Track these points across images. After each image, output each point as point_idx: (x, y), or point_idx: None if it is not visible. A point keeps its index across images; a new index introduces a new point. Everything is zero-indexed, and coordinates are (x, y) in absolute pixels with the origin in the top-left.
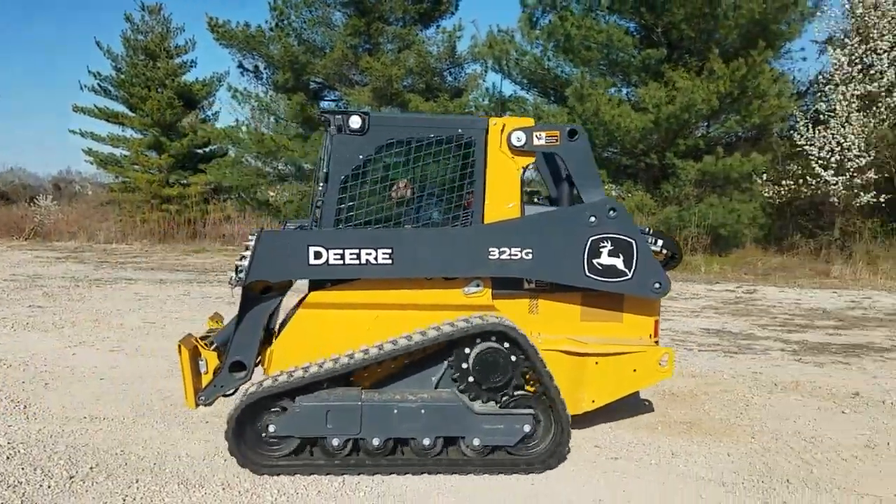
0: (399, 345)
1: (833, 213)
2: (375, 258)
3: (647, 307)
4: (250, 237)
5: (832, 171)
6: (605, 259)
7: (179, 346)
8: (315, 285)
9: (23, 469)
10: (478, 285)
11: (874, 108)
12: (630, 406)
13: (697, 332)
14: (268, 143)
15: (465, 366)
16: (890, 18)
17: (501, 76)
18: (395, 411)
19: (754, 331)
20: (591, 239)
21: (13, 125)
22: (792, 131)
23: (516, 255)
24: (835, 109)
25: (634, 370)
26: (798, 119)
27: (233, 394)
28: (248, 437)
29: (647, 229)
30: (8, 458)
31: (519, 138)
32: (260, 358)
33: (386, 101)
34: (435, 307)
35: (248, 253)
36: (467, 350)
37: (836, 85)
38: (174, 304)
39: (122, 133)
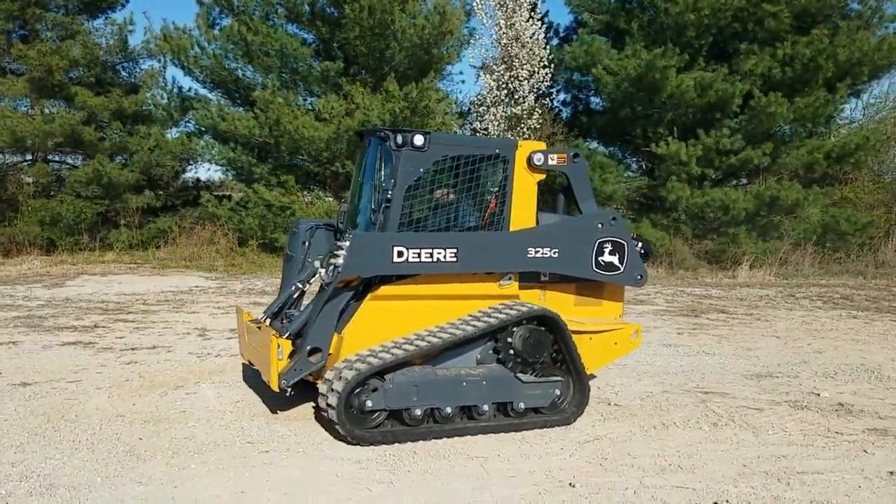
0: (486, 322)
1: None
2: (444, 256)
3: (618, 294)
4: (340, 241)
5: None
6: (606, 257)
7: (272, 337)
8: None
9: None
10: (510, 279)
11: (519, 128)
12: (287, 401)
13: None
14: None
15: (511, 342)
16: (528, 50)
17: (183, 72)
18: (464, 384)
19: None
20: (598, 241)
21: None
22: None
23: (546, 253)
24: (488, 129)
25: (615, 343)
26: None
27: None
28: (351, 413)
29: (633, 234)
30: None
31: (539, 159)
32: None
33: (47, 93)
34: (476, 297)
35: (341, 252)
36: (514, 330)
37: (489, 107)
38: None
39: None
